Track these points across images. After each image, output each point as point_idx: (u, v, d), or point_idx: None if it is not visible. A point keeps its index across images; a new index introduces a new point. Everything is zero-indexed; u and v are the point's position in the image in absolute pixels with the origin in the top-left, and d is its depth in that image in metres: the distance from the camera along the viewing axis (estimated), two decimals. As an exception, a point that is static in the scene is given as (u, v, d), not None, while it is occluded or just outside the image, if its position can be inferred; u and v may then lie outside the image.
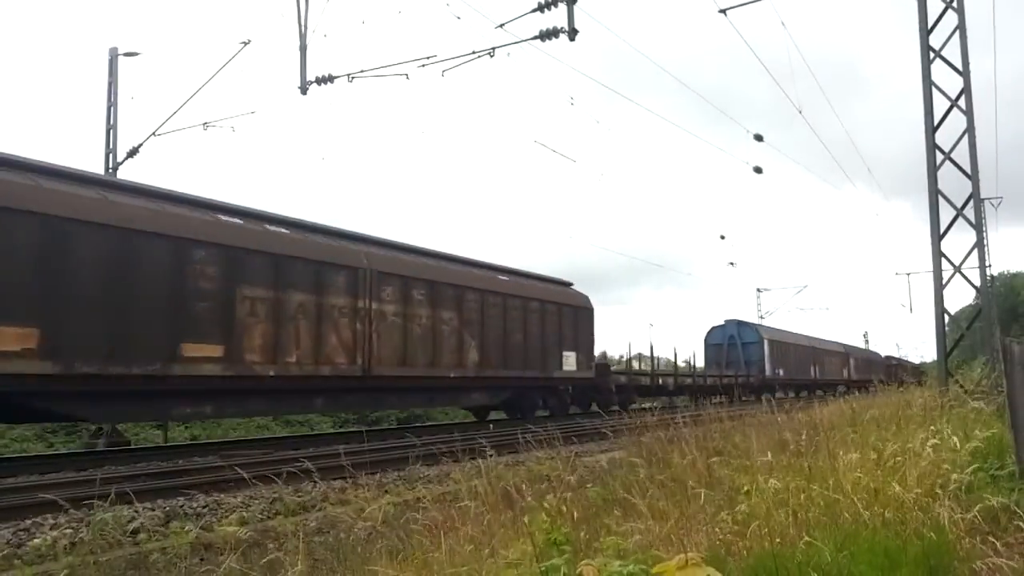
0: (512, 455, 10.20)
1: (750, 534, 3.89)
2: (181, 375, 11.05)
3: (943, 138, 11.80)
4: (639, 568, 2.84)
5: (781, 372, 36.80)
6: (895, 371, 61.44)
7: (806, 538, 3.60)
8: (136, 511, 7.00)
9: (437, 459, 9.90)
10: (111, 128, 19.74)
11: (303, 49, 13.73)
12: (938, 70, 11.85)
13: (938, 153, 11.74)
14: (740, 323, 36.58)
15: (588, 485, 6.53)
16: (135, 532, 6.46)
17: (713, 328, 37.05)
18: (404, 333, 15.31)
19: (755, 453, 5.86)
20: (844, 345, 51.26)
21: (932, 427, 6.47)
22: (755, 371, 34.52)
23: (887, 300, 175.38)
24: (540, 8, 11.69)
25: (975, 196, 11.55)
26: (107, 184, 11.98)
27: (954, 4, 11.66)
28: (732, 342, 35.71)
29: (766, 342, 35.90)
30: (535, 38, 12.00)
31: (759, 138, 18.41)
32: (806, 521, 3.99)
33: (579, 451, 10.88)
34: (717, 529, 4.19)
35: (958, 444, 5.72)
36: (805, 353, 41.64)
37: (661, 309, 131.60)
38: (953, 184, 11.68)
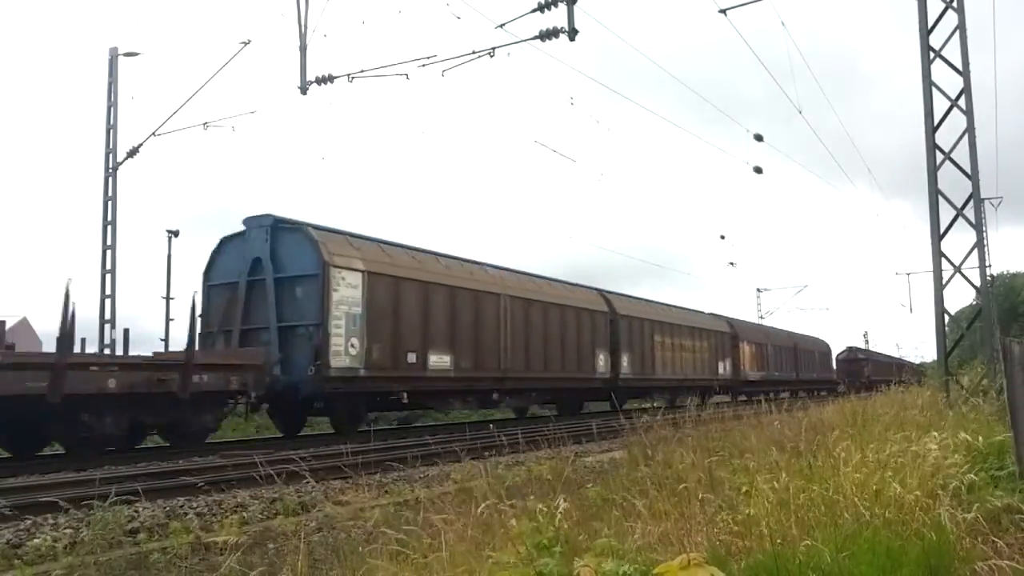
0: (512, 455, 10.21)
1: (750, 534, 3.89)
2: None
3: (943, 138, 11.81)
4: (635, 568, 2.84)
5: (446, 360, 16.72)
6: (861, 371, 48.29)
7: (806, 539, 3.60)
8: (136, 511, 7.01)
9: (436, 459, 9.89)
10: (111, 128, 19.74)
11: (303, 49, 13.72)
12: (938, 70, 11.86)
13: (938, 153, 11.74)
14: (279, 227, 15.25)
15: (588, 485, 6.53)
16: (135, 532, 6.46)
17: (223, 244, 16.05)
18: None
19: (755, 453, 5.87)
20: (728, 320, 34.55)
21: (932, 427, 6.47)
22: (301, 356, 14.34)
23: (887, 300, 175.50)
24: (540, 8, 11.68)
25: (975, 196, 11.54)
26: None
27: (954, 4, 11.65)
28: (257, 276, 15.06)
29: (341, 276, 14.61)
30: (535, 38, 12.00)
31: (759, 138, 18.44)
32: (806, 521, 3.98)
33: (579, 451, 10.88)
34: (717, 529, 4.19)
35: (958, 444, 5.72)
36: (554, 319, 20.68)
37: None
38: (953, 184, 11.68)
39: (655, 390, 26.81)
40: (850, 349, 52.89)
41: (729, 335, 33.39)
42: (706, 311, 34.40)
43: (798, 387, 38.41)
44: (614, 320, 24.35)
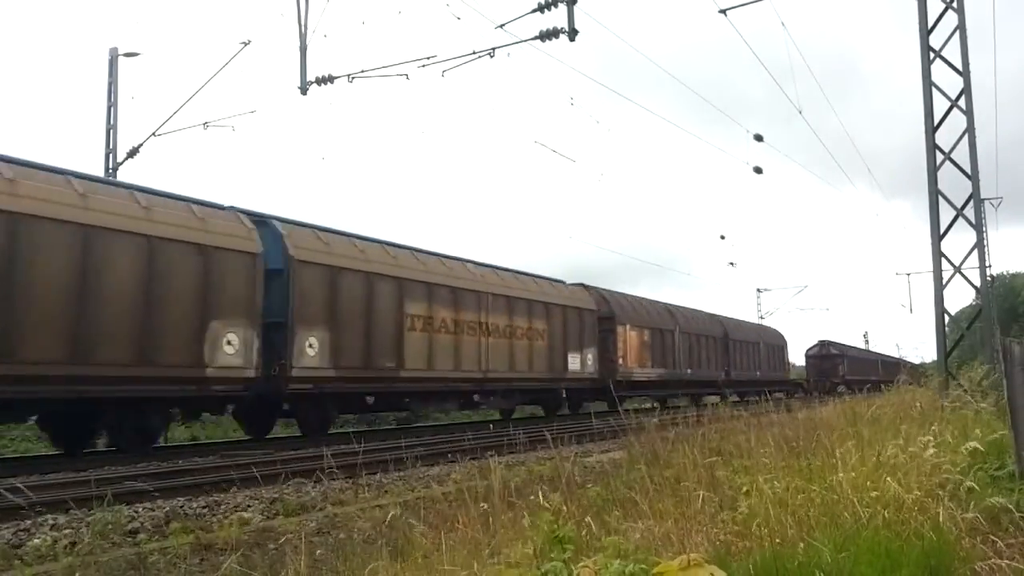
0: (512, 455, 10.21)
1: (750, 535, 3.89)
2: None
3: (943, 137, 11.81)
4: (639, 568, 2.84)
5: None
6: (834, 369, 42.03)
7: (806, 539, 3.60)
8: (136, 511, 7.02)
9: (437, 459, 9.91)
10: (111, 128, 19.75)
11: (303, 49, 13.73)
12: (938, 70, 11.86)
13: (938, 153, 11.74)
14: None
15: (588, 485, 6.53)
16: (135, 532, 6.47)
17: None
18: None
19: (755, 453, 5.87)
20: (600, 293, 24.12)
21: (932, 427, 6.47)
22: None
23: (887, 300, 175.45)
24: (540, 8, 11.69)
25: (975, 196, 11.54)
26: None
27: (954, 4, 11.66)
28: None
29: None
30: (535, 38, 12.01)
31: (759, 138, 18.43)
32: (806, 521, 3.99)
33: (579, 451, 10.89)
34: (717, 530, 4.19)
35: (958, 444, 5.72)
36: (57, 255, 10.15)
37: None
38: (953, 184, 11.69)
39: (407, 397, 16.56)
40: (821, 343, 45.51)
41: (595, 314, 22.61)
42: (569, 282, 23.50)
43: (731, 389, 28.19)
44: (286, 270, 13.67)
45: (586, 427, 13.49)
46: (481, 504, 4.81)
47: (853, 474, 4.60)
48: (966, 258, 11.74)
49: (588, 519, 4.20)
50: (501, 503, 4.83)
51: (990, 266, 30.03)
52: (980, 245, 11.70)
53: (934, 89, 11.83)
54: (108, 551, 5.71)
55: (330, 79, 13.86)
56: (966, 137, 11.53)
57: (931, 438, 5.61)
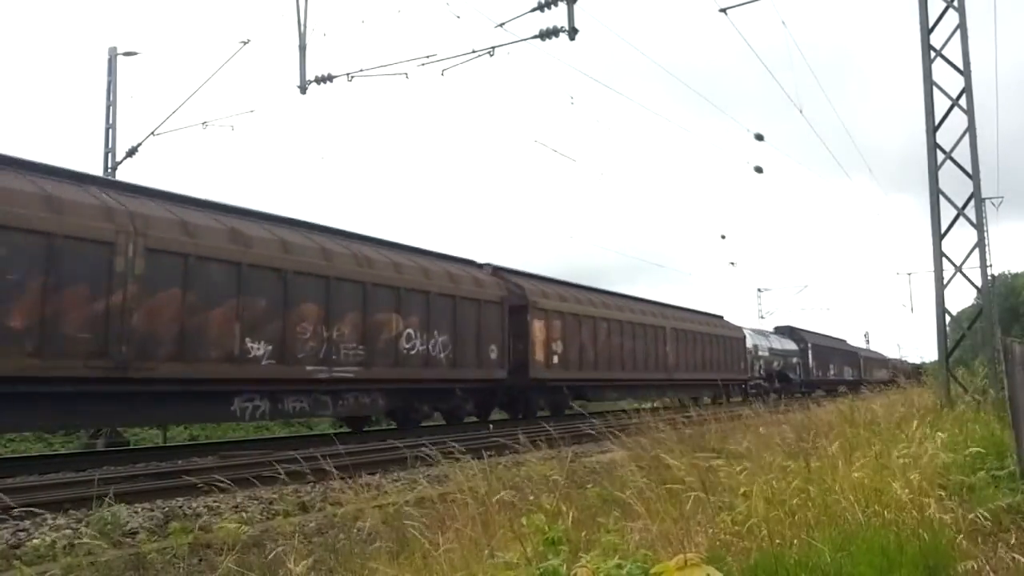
0: (512, 455, 10.19)
1: (749, 535, 3.87)
2: None
3: (944, 136, 11.79)
4: (638, 567, 2.83)
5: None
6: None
7: (805, 539, 3.59)
8: (135, 511, 7.01)
9: (436, 459, 9.88)
10: (110, 127, 19.73)
11: (302, 48, 13.73)
12: (939, 68, 11.84)
13: (939, 153, 11.72)
14: None
15: (588, 486, 6.52)
16: (134, 533, 6.45)
17: None
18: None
19: (754, 454, 5.86)
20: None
21: (933, 428, 6.46)
22: None
23: (889, 300, 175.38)
24: (540, 7, 11.71)
25: (976, 196, 11.52)
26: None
27: (955, 3, 11.64)
28: None
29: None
30: (535, 37, 12.02)
31: (760, 137, 18.42)
32: (805, 522, 3.97)
33: (579, 451, 10.87)
34: (717, 530, 4.17)
35: (958, 444, 5.72)
36: None
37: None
38: (954, 182, 11.66)
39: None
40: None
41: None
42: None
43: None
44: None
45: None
46: (480, 505, 4.80)
47: (853, 474, 4.59)
48: (967, 258, 11.73)
49: (586, 520, 4.19)
50: (499, 503, 4.82)
51: (991, 265, 29.93)
52: (981, 244, 11.69)
53: (935, 88, 11.82)
54: (107, 551, 5.69)
55: (329, 78, 13.86)
56: (967, 136, 11.51)
57: (932, 438, 5.60)
